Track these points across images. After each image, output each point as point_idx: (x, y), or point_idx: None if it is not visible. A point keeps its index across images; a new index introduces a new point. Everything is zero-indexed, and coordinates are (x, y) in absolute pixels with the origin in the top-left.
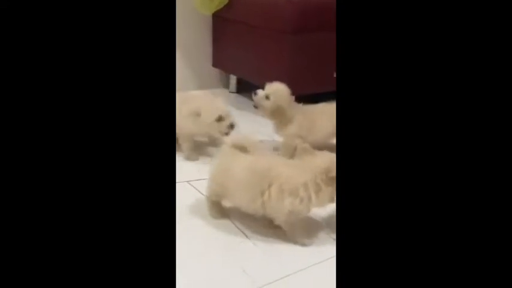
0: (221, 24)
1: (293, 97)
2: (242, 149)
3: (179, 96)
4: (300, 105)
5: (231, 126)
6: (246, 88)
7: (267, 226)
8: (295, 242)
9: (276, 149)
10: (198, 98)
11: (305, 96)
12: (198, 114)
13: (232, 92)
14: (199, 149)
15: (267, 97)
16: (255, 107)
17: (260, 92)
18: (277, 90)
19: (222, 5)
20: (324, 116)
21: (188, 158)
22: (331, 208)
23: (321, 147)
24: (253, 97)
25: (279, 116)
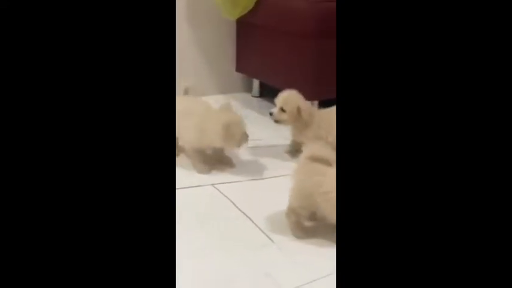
0: (245, 29)
1: (308, 102)
2: (322, 161)
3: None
4: (316, 108)
5: (245, 136)
6: (268, 92)
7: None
8: None
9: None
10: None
11: (328, 101)
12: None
13: (254, 96)
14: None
15: (282, 110)
16: (276, 121)
17: (274, 110)
18: (288, 99)
19: (246, 10)
20: None
21: (200, 172)
22: None
23: None
24: (272, 117)
25: (297, 122)
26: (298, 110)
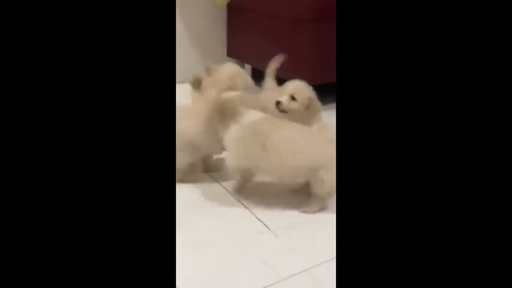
0: (236, 13)
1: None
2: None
3: None
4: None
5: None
6: (261, 78)
7: None
8: None
9: None
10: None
11: (323, 86)
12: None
13: None
14: None
15: (293, 98)
16: (282, 111)
17: (283, 98)
18: (299, 88)
19: None
20: None
21: None
22: None
23: None
24: (279, 106)
25: (307, 112)
26: (310, 100)
